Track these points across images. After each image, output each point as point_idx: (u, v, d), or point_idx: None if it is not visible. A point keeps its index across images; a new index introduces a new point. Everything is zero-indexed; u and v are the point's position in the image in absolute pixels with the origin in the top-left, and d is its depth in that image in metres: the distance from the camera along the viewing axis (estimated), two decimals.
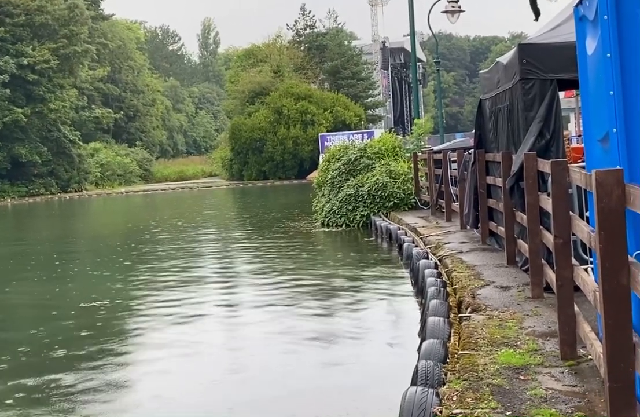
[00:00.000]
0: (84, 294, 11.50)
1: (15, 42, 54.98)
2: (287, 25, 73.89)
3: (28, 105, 54.28)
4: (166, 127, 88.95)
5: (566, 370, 4.90)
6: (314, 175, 33.86)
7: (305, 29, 72.39)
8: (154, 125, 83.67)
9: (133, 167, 68.87)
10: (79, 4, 58.00)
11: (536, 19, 7.90)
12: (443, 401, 4.48)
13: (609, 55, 3.93)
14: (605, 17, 3.92)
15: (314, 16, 72.86)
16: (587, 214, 5.42)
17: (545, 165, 6.39)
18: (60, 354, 7.87)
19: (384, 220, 16.84)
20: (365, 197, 18.00)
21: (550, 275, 5.98)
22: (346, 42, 72.33)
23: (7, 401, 6.39)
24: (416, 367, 5.21)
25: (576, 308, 5.17)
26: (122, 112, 72.92)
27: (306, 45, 71.63)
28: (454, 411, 4.26)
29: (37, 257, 17.41)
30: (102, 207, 43.42)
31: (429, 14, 29.01)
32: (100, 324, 9.30)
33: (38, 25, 55.93)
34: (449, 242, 11.51)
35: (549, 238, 5.97)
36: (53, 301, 11.17)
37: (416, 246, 12.07)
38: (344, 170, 19.08)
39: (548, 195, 6.02)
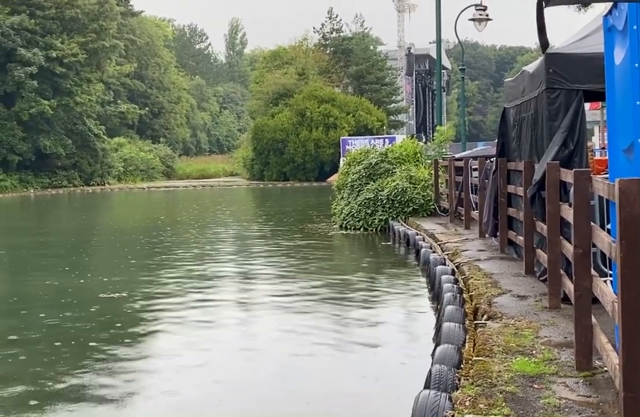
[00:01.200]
0: (103, 285, 11.59)
1: (45, 35, 55.51)
2: (313, 28, 74.00)
3: (55, 98, 54.79)
4: (190, 125, 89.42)
5: (581, 380, 4.88)
6: (334, 178, 33.89)
7: (331, 33, 72.52)
8: (178, 123, 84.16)
9: (156, 164, 69.33)
10: None
11: (543, 52, 7.78)
12: (455, 406, 4.48)
13: (637, 65, 3.94)
14: (635, 27, 3.92)
15: (340, 20, 73.11)
16: (609, 226, 5.40)
17: (567, 175, 6.38)
18: (73, 342, 7.95)
19: (402, 225, 16.82)
20: (385, 201, 17.99)
21: (569, 285, 5.96)
22: (372, 47, 72.37)
23: (14, 389, 6.45)
24: (430, 371, 5.22)
25: (593, 319, 5.15)
26: (147, 109, 73.42)
27: (332, 48, 71.75)
28: (466, 416, 4.27)
29: (57, 247, 17.57)
30: (123, 201, 43.71)
31: (456, 21, 29.03)
32: (116, 315, 9.36)
33: (68, 18, 56.45)
34: (466, 250, 11.49)
35: (568, 248, 5.95)
36: (72, 291, 11.25)
37: (434, 252, 12.05)
38: (364, 174, 19.08)
39: (569, 205, 6.01)
